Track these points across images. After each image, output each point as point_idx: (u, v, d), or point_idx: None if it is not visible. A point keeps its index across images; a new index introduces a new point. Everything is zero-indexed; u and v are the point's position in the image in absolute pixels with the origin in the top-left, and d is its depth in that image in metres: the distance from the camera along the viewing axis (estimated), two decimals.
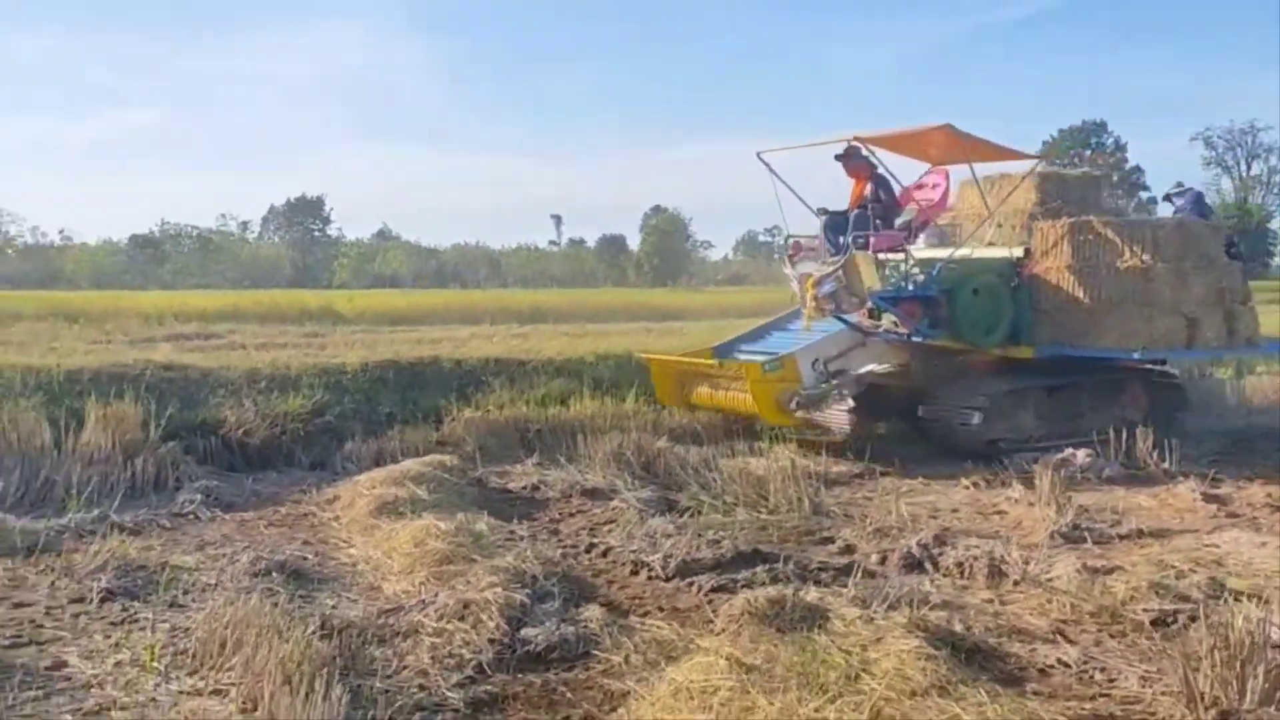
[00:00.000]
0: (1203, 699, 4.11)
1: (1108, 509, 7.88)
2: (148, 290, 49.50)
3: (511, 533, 7.17)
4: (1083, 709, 4.34)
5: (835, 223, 11.01)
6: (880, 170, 11.01)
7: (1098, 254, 10.46)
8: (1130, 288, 10.26)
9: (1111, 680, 4.66)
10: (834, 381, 10.16)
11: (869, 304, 10.19)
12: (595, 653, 4.95)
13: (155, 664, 4.73)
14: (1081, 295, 10.49)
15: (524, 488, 8.86)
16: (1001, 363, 10.88)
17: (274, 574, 5.98)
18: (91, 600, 5.69)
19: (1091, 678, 4.72)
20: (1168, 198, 12.54)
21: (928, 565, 6.56)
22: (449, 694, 4.48)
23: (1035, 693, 4.52)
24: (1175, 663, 4.35)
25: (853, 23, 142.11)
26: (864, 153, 10.86)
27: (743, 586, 5.91)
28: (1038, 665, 4.88)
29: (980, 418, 10.02)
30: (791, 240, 11.39)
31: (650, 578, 6.32)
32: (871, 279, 10.11)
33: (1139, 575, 5.90)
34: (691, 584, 6.11)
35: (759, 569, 6.29)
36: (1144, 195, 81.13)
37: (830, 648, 4.69)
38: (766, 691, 3.72)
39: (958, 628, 5.23)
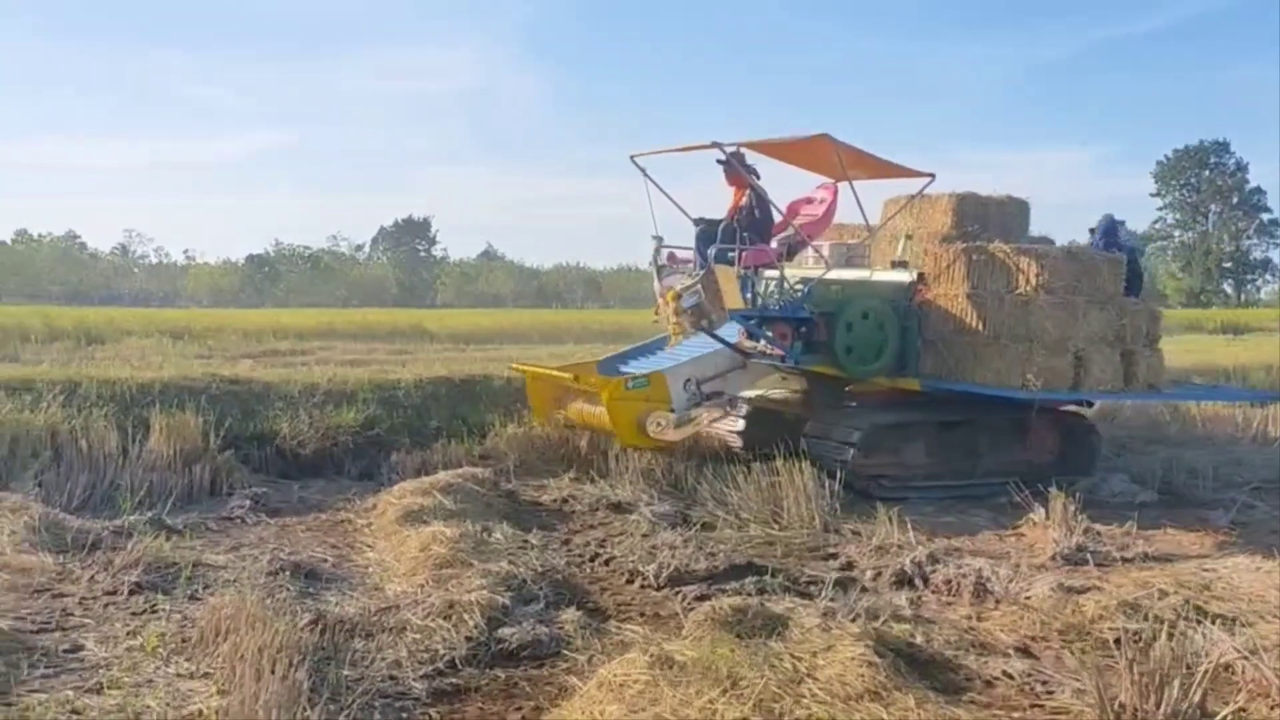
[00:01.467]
0: (1120, 709, 4.24)
1: (1121, 534, 7.90)
2: (262, 308, 51.33)
3: (526, 541, 7.50)
4: (1009, 717, 4.51)
5: (707, 234, 10.25)
6: (760, 182, 10.36)
7: (986, 282, 9.76)
8: (1012, 319, 9.54)
9: (1050, 692, 4.82)
10: (705, 404, 9.70)
11: (729, 321, 9.59)
12: (565, 652, 5.27)
13: (159, 650, 5.18)
14: (966, 325, 9.77)
15: (554, 500, 9.20)
16: (893, 394, 10.21)
17: (287, 573, 6.42)
18: (122, 593, 6.19)
19: (1032, 689, 4.88)
20: (1094, 230, 11.37)
21: (918, 582, 6.74)
22: (414, 684, 4.85)
23: (972, 701, 4.70)
24: (1092, 674, 4.47)
25: (977, 36, 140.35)
26: (747, 161, 10.20)
27: (730, 596, 6.16)
28: (985, 677, 5.05)
29: (854, 452, 9.25)
30: (665, 251, 10.54)
31: (643, 586, 6.62)
32: (733, 295, 9.32)
33: (1115, 595, 5.99)
34: (679, 593, 6.39)
35: (748, 580, 6.54)
36: (1265, 217, 79.15)
37: (782, 653, 4.94)
38: (672, 684, 3.98)
39: (918, 640, 5.42)
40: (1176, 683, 4.18)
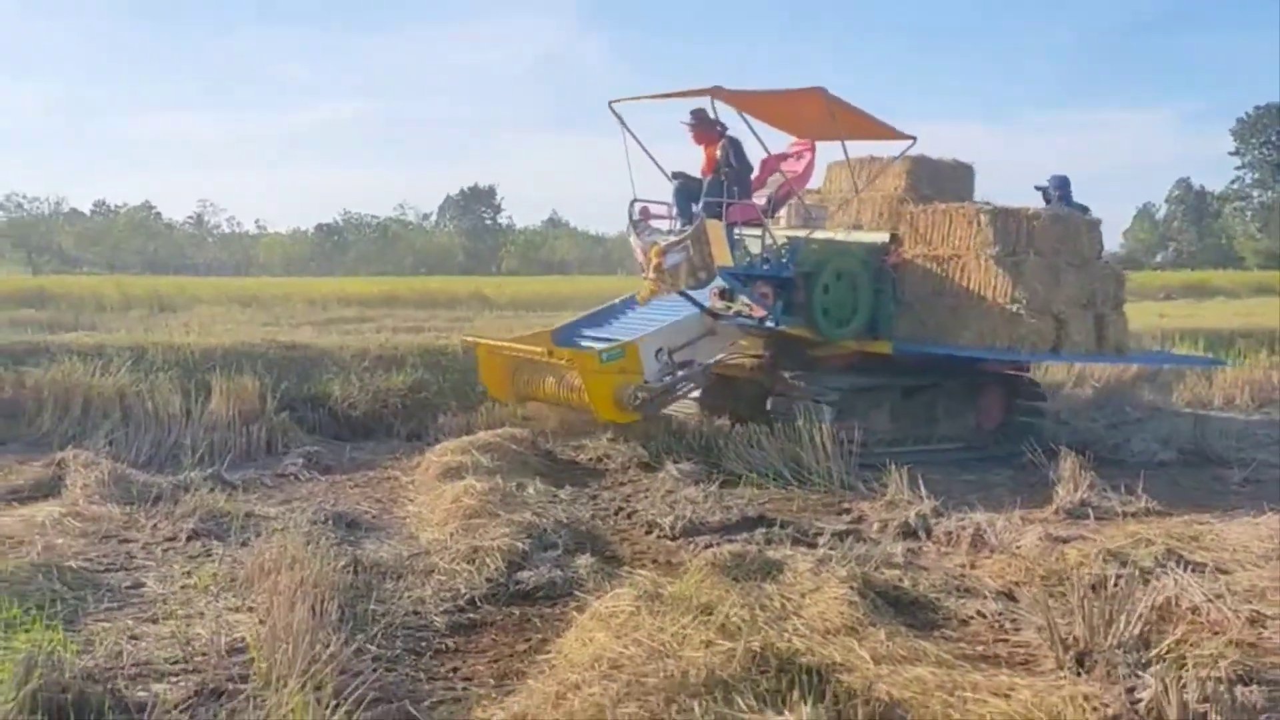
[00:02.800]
0: (1073, 642, 4.59)
1: (1125, 488, 8.14)
2: (332, 276, 52.44)
3: (555, 496, 8.00)
4: (971, 649, 4.90)
5: (688, 188, 9.94)
6: (731, 132, 9.90)
7: (969, 244, 9.65)
8: (1000, 281, 9.44)
9: (1017, 629, 5.17)
10: (679, 374, 9.48)
11: (716, 280, 9.30)
12: (576, 593, 5.71)
13: (211, 587, 5.74)
14: (948, 287, 9.72)
15: (589, 459, 9.64)
16: (857, 358, 10.11)
17: (330, 522, 6.95)
18: (180, 539, 6.77)
19: (1001, 627, 5.25)
20: (1043, 189, 11.08)
21: (921, 534, 7.10)
22: (435, 618, 5.34)
23: (942, 636, 5.09)
24: (1044, 611, 4.82)
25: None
26: (711, 116, 9.74)
27: (737, 545, 6.57)
28: (961, 616, 5.44)
29: (832, 414, 9.11)
30: (639, 205, 10.04)
31: (659, 537, 7.06)
32: (723, 252, 9.05)
33: (1099, 545, 6.30)
34: (691, 543, 6.82)
35: (758, 532, 6.96)
36: None
37: (773, 593, 5.38)
38: (653, 614, 4.42)
39: (905, 584, 5.82)
40: (1123, 618, 4.52)
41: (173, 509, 7.34)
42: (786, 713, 3.49)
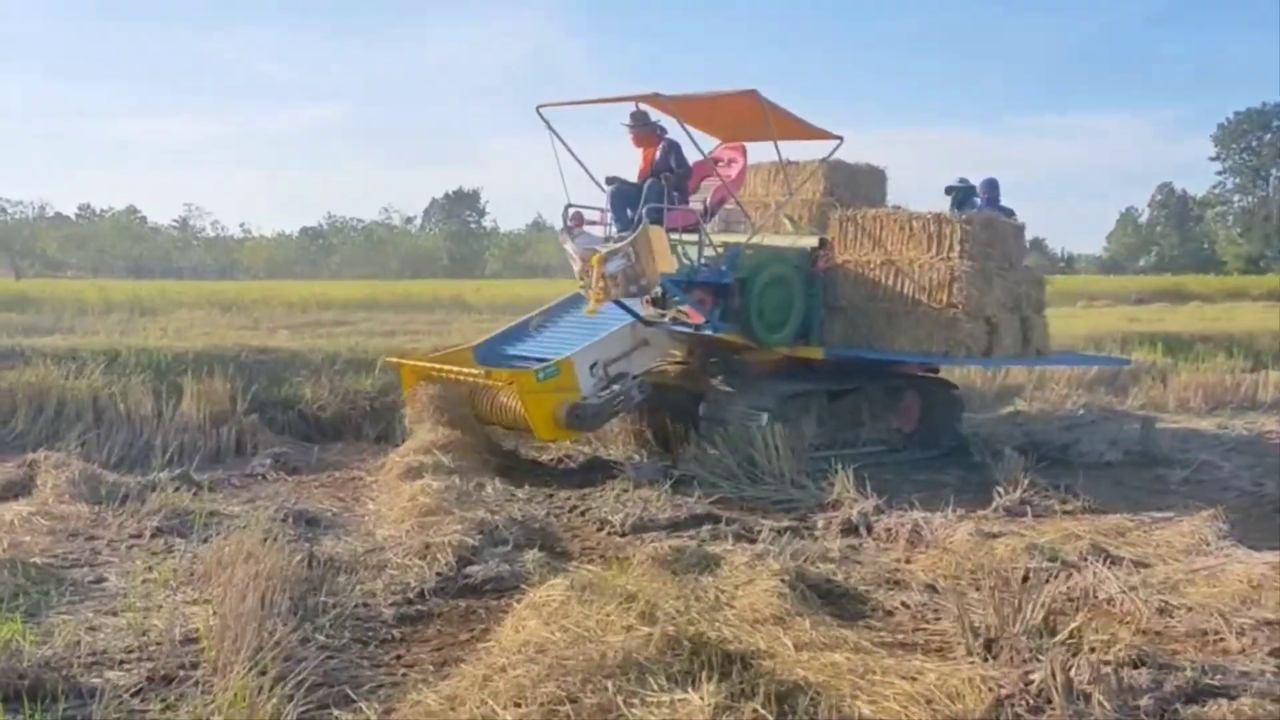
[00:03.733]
0: (983, 630, 4.85)
1: (1066, 488, 8.40)
2: (316, 280, 52.49)
3: (512, 494, 8.26)
4: (891, 637, 5.15)
5: (624, 193, 9.72)
6: (670, 137, 9.79)
7: (902, 249, 9.66)
8: (934, 286, 9.44)
9: (938, 619, 5.43)
10: (614, 388, 9.23)
11: (657, 287, 9.07)
12: (523, 586, 5.93)
13: (170, 582, 5.96)
14: (882, 292, 9.71)
15: (551, 460, 9.91)
16: (782, 363, 10.05)
17: (290, 520, 7.17)
18: (144, 536, 6.99)
19: (924, 617, 5.51)
20: (953, 190, 10.95)
21: (862, 531, 7.36)
22: (384, 610, 5.58)
23: (866, 626, 5.35)
24: (954, 600, 5.08)
25: (1015, 5, 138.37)
26: (651, 118, 9.72)
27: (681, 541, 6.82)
28: (887, 607, 5.70)
29: (768, 419, 9.01)
30: (572, 210, 9.96)
31: (609, 534, 7.33)
32: (665, 259, 8.87)
33: (1027, 540, 6.57)
34: (640, 540, 7.06)
35: (704, 529, 7.22)
36: None
37: (709, 585, 5.65)
38: (582, 603, 4.66)
39: (837, 577, 6.09)
40: (1030, 606, 4.78)
41: (139, 507, 7.55)
42: (691, 691, 3.73)
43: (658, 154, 9.71)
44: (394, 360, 10.58)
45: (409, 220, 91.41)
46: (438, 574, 6.06)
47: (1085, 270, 76.07)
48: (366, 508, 7.98)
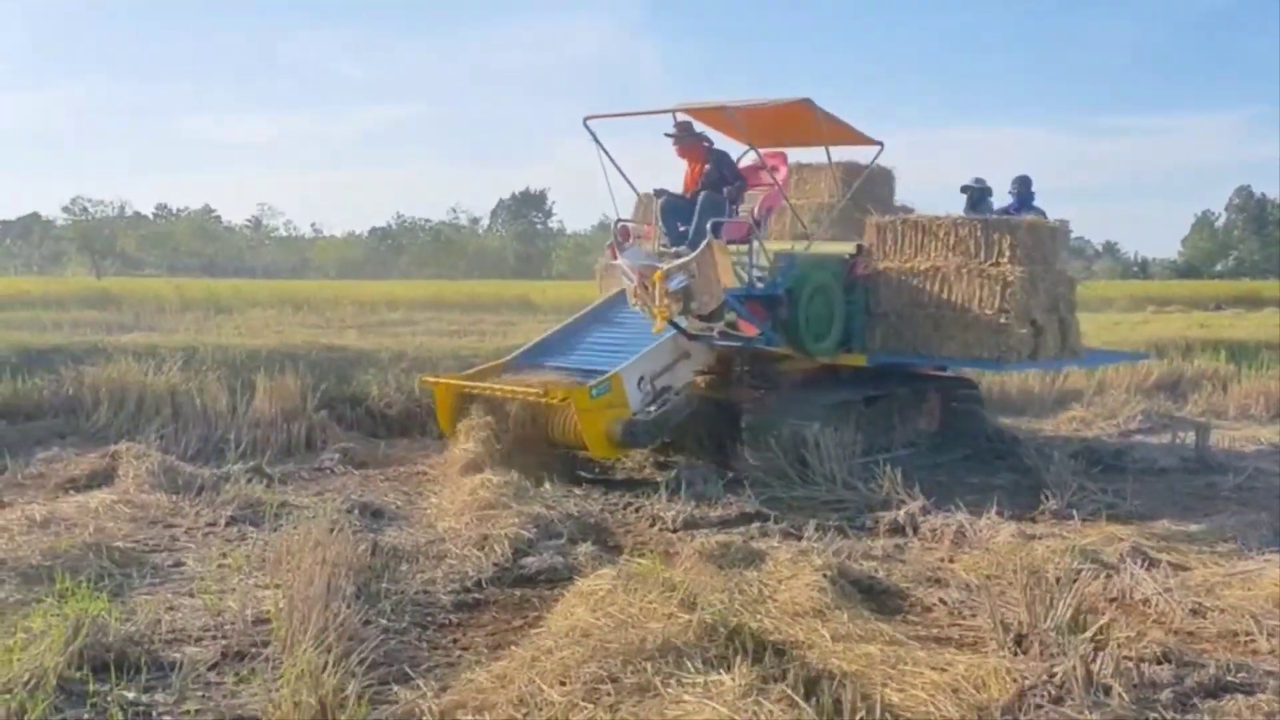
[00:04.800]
0: (1015, 625, 5.02)
1: (1115, 492, 8.49)
2: (386, 279, 53.45)
3: (569, 490, 8.55)
4: (927, 632, 5.34)
5: (674, 206, 9.65)
6: (716, 146, 9.78)
7: (947, 255, 9.59)
8: (985, 292, 9.36)
9: (974, 616, 5.59)
10: (663, 402, 9.07)
11: (716, 304, 8.88)
12: (575, 578, 6.20)
13: (244, 567, 6.33)
14: (928, 298, 9.62)
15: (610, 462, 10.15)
16: (817, 372, 10.06)
17: (356, 511, 7.52)
18: (220, 524, 7.39)
19: (960, 614, 5.68)
20: (968, 190, 10.97)
21: (909, 531, 7.53)
22: (443, 597, 5.89)
23: (903, 620, 5.55)
24: (988, 598, 5.25)
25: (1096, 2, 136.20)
26: (697, 129, 9.72)
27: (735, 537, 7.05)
28: (925, 604, 5.87)
29: (819, 429, 8.97)
30: (619, 224, 9.90)
31: (661, 530, 7.56)
32: (729, 274, 8.83)
33: (1069, 542, 6.69)
34: (691, 536, 7.29)
35: (753, 526, 7.44)
36: None
37: (753, 579, 5.88)
38: (627, 591, 4.92)
39: (879, 574, 6.27)
40: (1060, 604, 4.94)
41: (214, 498, 7.96)
42: (725, 673, 3.97)
43: (707, 165, 9.66)
44: (430, 379, 10.25)
45: (475, 221, 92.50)
46: (494, 564, 6.36)
47: (1160, 275, 74.84)
48: (429, 501, 8.30)
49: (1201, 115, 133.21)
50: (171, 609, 5.56)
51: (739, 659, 4.14)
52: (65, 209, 73.63)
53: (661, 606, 4.67)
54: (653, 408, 9.06)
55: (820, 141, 9.95)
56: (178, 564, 6.48)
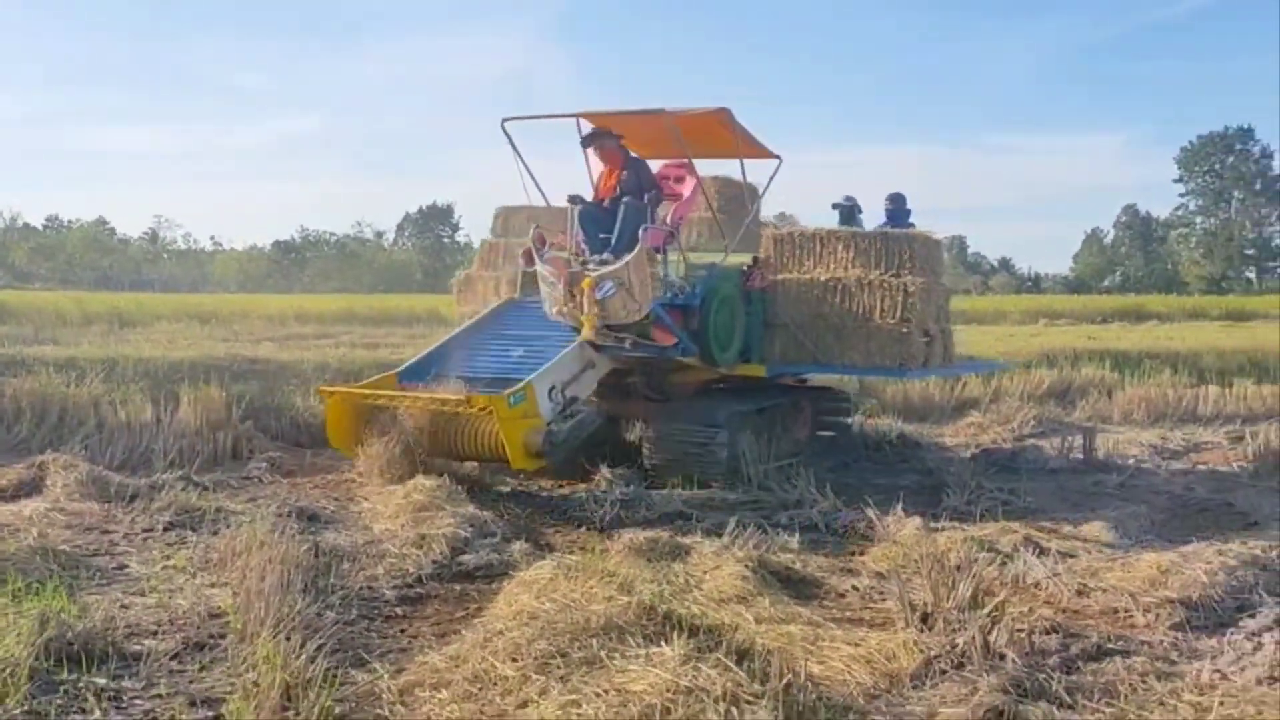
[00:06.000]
0: (918, 605, 5.50)
1: (1010, 490, 9.11)
2: (289, 294, 52.86)
3: (499, 493, 8.87)
4: (841, 614, 5.81)
5: (592, 214, 9.67)
6: (634, 156, 9.88)
7: (847, 267, 9.90)
8: (887, 302, 9.66)
9: (883, 600, 6.08)
10: (569, 413, 8.69)
11: (644, 312, 8.87)
12: (511, 573, 6.53)
13: (188, 568, 6.54)
14: (829, 309, 9.88)
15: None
16: (706, 384, 10.32)
17: (293, 516, 7.73)
18: (157, 530, 7.56)
19: (870, 599, 6.16)
20: (839, 207, 11.24)
21: (822, 527, 8.02)
22: (386, 592, 6.17)
23: (820, 605, 6.00)
24: (896, 582, 5.74)
25: (989, 25, 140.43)
26: (617, 135, 9.78)
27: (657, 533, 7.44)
28: (839, 591, 6.35)
29: (725, 437, 9.24)
30: (536, 231, 9.62)
31: (589, 529, 7.93)
32: (656, 283, 8.93)
33: (966, 534, 7.24)
34: (617, 534, 7.67)
35: (676, 524, 7.87)
36: None
37: (679, 570, 6.29)
38: (568, 579, 5.30)
39: (796, 565, 6.73)
40: (960, 585, 5.43)
41: (148, 505, 8.10)
42: (664, 645, 4.36)
43: (624, 172, 9.70)
44: (328, 390, 9.62)
45: (380, 234, 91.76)
46: (433, 561, 6.65)
47: (1051, 290, 77.41)
48: (361, 505, 8.53)
49: (1090, 137, 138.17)
50: (124, 607, 5.75)
51: (675, 635, 4.53)
52: None
53: (601, 591, 5.05)
54: (567, 419, 8.65)
55: (731, 154, 10.27)
56: (121, 566, 6.66)
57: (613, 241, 9.36)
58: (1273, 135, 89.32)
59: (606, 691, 3.97)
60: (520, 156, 10.00)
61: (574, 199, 9.91)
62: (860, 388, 13.80)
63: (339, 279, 75.83)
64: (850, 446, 11.36)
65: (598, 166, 10.26)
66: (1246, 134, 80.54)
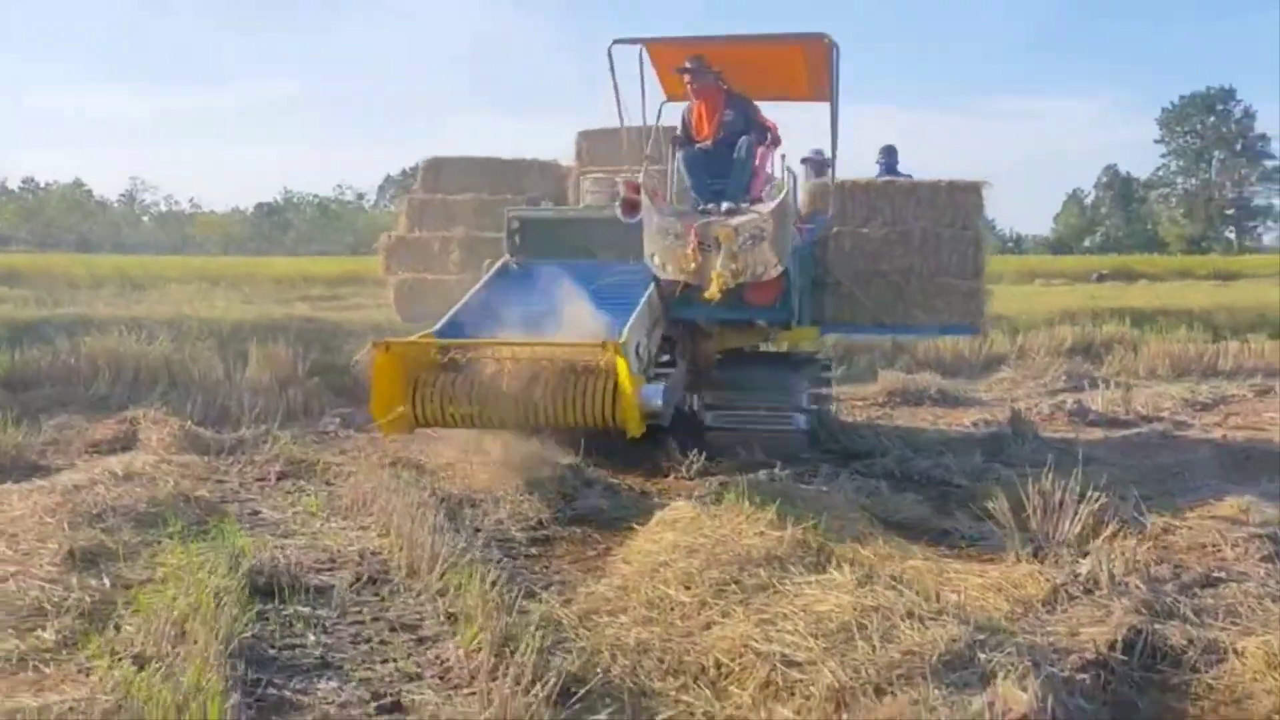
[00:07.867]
0: (1031, 536, 5.94)
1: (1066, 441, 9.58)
2: (272, 255, 52.71)
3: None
4: (949, 553, 6.22)
5: (699, 158, 8.49)
6: (737, 93, 8.64)
7: (909, 219, 9.38)
8: (957, 255, 9.27)
9: (987, 542, 6.46)
10: (654, 374, 7.86)
11: (783, 267, 7.79)
12: (625, 516, 6.91)
13: (319, 513, 6.90)
14: (886, 267, 9.35)
15: None
16: (730, 352, 9.14)
17: (399, 465, 8.11)
18: (270, 480, 7.92)
19: (973, 540, 6.56)
20: (808, 161, 10.10)
21: (897, 475, 8.43)
22: (516, 534, 6.56)
23: (927, 544, 6.40)
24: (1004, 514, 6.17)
25: None
26: (714, 69, 8.52)
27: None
28: (941, 529, 6.76)
29: (805, 420, 8.54)
30: (624, 180, 8.80)
31: (677, 478, 8.29)
32: (795, 234, 8.07)
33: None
34: (708, 480, 8.04)
35: (760, 473, 8.24)
36: (1269, 164, 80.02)
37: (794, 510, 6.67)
38: (712, 517, 5.71)
39: (892, 508, 7.16)
40: (1066, 522, 5.87)
41: (252, 457, 8.48)
42: (832, 572, 4.77)
43: (727, 111, 8.51)
44: (383, 343, 7.51)
45: (361, 196, 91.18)
46: (549, 506, 7.04)
47: (1033, 250, 77.92)
48: (449, 455, 8.86)
49: (1072, 99, 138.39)
50: (278, 548, 6.11)
51: (833, 566, 4.94)
52: None
53: (749, 527, 5.45)
54: (660, 376, 7.93)
55: (821, 94, 9.00)
56: (254, 512, 7.02)
57: (729, 190, 8.25)
58: (1254, 95, 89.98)
59: (794, 612, 4.37)
60: (616, 88, 9.23)
61: (678, 140, 8.76)
62: (893, 343, 14.17)
63: (322, 241, 75.43)
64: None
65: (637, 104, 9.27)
66: (1228, 94, 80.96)
